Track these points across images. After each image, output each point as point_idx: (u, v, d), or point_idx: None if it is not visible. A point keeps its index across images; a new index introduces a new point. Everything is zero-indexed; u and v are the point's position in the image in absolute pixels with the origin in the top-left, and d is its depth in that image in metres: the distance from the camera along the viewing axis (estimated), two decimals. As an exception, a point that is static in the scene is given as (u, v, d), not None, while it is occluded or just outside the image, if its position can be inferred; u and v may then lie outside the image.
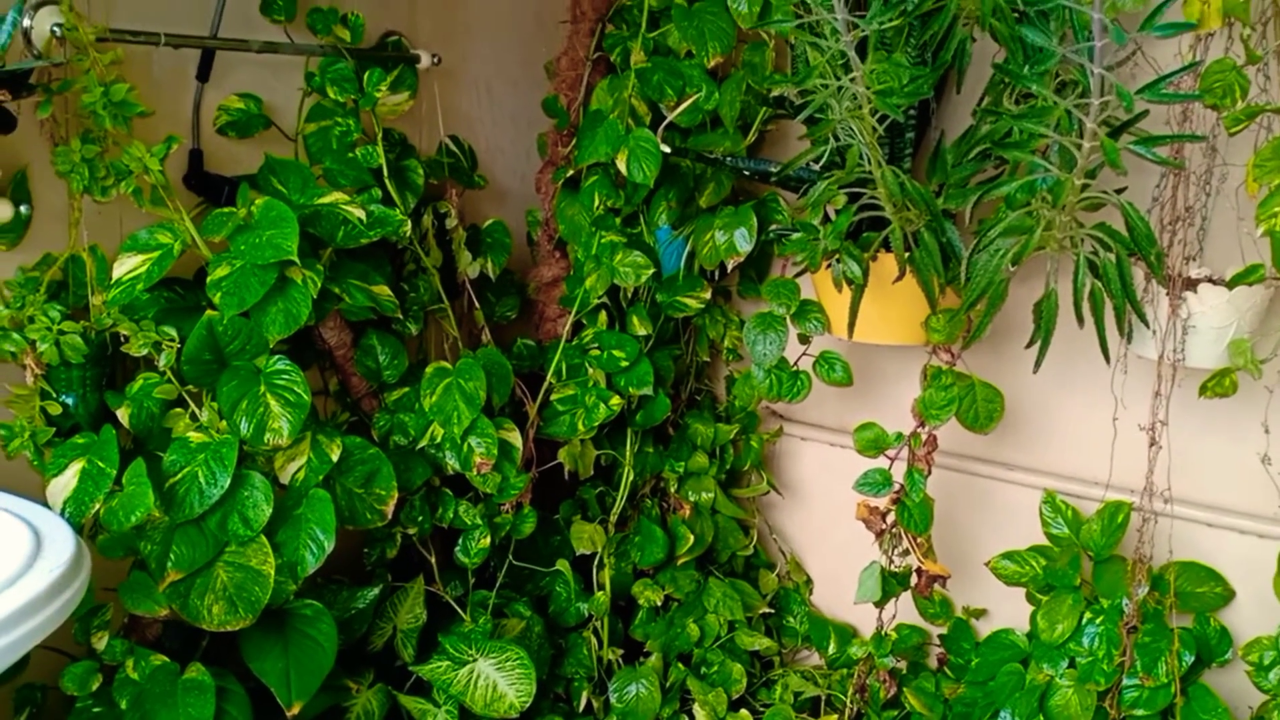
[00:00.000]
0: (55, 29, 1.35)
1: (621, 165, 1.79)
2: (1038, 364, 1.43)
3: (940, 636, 1.95)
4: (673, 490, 2.05)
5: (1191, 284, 1.45)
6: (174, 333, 1.46)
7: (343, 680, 1.67)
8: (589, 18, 1.96)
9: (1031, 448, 1.84)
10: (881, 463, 1.66)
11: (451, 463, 1.77)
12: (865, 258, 1.55)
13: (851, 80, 1.36)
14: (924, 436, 1.63)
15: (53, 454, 1.39)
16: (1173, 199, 1.52)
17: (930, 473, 1.64)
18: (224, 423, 1.45)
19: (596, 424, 1.87)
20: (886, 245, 1.54)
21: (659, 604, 2.00)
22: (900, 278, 1.54)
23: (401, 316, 1.81)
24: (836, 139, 1.46)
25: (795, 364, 1.77)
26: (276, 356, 1.49)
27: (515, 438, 1.82)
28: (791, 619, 2.14)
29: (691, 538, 2.01)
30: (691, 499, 2.04)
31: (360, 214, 1.57)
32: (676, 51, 1.87)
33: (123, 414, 1.45)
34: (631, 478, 2.02)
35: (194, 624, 1.42)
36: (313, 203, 1.57)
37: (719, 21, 1.80)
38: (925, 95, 1.47)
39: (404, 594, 1.80)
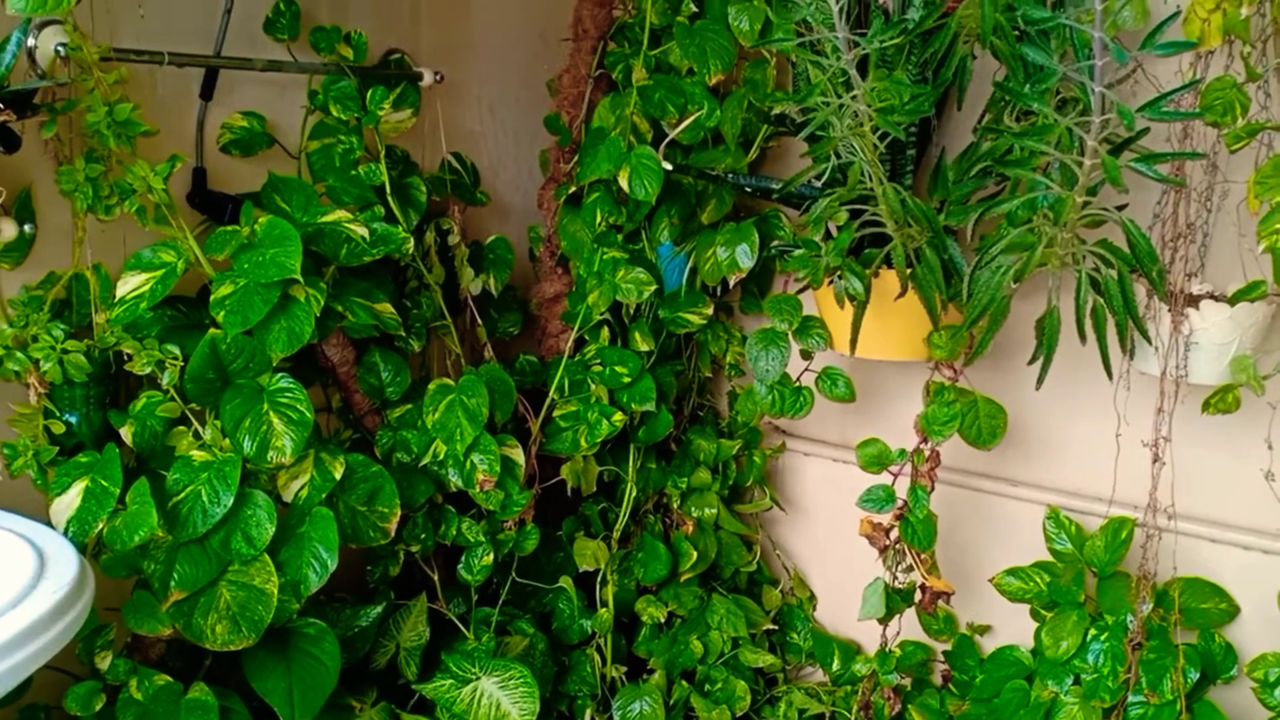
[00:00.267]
0: (59, 49, 1.35)
1: (623, 182, 1.80)
2: (1040, 380, 1.44)
3: (944, 653, 1.94)
4: (675, 506, 2.05)
5: (1193, 300, 1.45)
6: (177, 351, 1.46)
7: (346, 699, 1.67)
8: (591, 35, 1.97)
9: (1035, 464, 1.84)
10: (885, 479, 1.66)
11: (454, 480, 1.76)
12: (867, 274, 1.55)
13: (853, 98, 1.37)
14: (927, 452, 1.63)
15: (56, 473, 1.39)
16: (1174, 216, 1.52)
17: (933, 489, 1.64)
18: (227, 441, 1.45)
19: (599, 440, 1.87)
20: (888, 262, 1.55)
21: (662, 620, 2.00)
22: (902, 294, 1.54)
23: (404, 333, 1.81)
24: (838, 156, 1.47)
25: (798, 379, 1.77)
26: (279, 374, 1.50)
27: (518, 454, 1.82)
28: (795, 635, 2.13)
29: (695, 554, 2.00)
30: (694, 515, 2.04)
31: (363, 232, 1.57)
32: (678, 69, 1.88)
33: (126, 433, 1.45)
34: (634, 494, 2.01)
35: (197, 643, 1.42)
36: (316, 221, 1.58)
37: (720, 39, 1.80)
38: (926, 113, 1.47)
39: (407, 612, 1.79)
